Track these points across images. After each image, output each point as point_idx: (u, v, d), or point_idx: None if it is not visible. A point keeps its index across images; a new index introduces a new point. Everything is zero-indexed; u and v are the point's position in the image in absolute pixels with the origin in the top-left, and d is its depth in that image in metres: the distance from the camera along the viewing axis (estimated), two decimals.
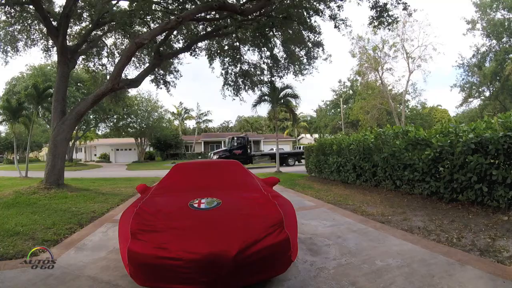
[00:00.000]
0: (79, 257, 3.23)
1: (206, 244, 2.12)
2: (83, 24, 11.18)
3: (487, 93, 27.48)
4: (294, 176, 11.48)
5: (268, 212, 2.59)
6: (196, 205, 2.75)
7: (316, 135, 44.87)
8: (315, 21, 10.06)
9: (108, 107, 24.01)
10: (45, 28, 10.01)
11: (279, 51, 11.58)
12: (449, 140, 4.81)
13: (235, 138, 19.38)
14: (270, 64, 11.84)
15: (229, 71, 12.14)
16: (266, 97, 14.76)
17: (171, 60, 11.86)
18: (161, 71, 12.48)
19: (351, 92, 40.49)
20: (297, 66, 11.63)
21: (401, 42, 26.05)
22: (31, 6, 9.36)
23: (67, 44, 9.32)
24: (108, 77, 11.25)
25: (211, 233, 2.26)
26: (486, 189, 4.24)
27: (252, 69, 12.37)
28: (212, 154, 19.98)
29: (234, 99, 12.87)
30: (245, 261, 2.11)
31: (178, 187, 3.49)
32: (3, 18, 10.13)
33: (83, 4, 10.02)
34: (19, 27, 10.58)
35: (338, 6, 9.06)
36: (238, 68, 12.14)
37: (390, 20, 8.82)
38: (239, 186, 3.48)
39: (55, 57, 10.88)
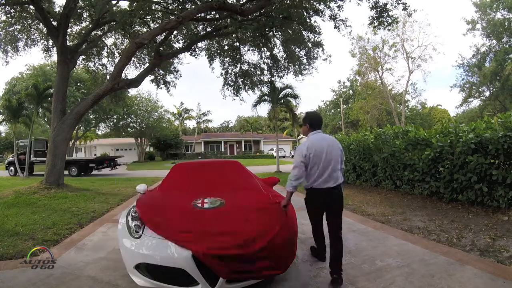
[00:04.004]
0: (79, 257, 3.23)
1: (211, 243, 2.14)
2: (83, 24, 11.18)
3: (487, 93, 27.46)
4: None
5: (269, 212, 2.60)
6: (199, 205, 2.76)
7: None
8: (315, 21, 10.04)
9: (108, 107, 23.99)
10: (45, 28, 10.01)
11: (279, 51, 11.57)
12: (449, 140, 4.81)
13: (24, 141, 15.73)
14: (270, 64, 11.82)
15: (229, 71, 12.11)
16: (266, 97, 14.75)
17: (171, 60, 11.85)
18: (161, 71, 12.47)
19: (351, 92, 40.52)
20: (297, 66, 11.61)
21: (401, 42, 26.08)
22: (31, 6, 9.36)
23: (67, 44, 9.31)
24: (108, 77, 11.26)
25: (216, 232, 2.28)
26: (486, 189, 4.24)
27: (252, 69, 12.34)
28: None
29: (234, 99, 12.83)
30: (248, 260, 2.13)
31: (179, 187, 3.48)
32: (3, 18, 10.14)
33: (83, 4, 10.01)
34: (19, 27, 10.58)
35: (338, 6, 9.04)
36: (238, 68, 12.11)
37: (390, 20, 8.80)
38: (239, 186, 3.47)
39: (55, 57, 10.89)
